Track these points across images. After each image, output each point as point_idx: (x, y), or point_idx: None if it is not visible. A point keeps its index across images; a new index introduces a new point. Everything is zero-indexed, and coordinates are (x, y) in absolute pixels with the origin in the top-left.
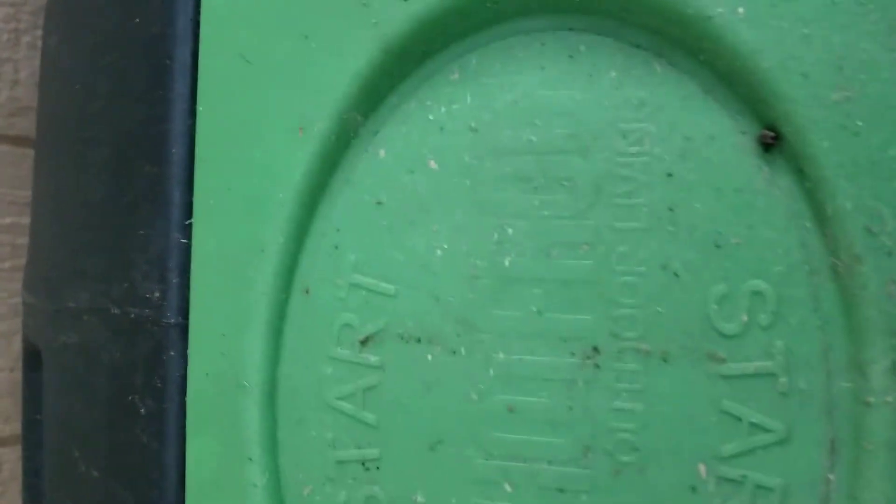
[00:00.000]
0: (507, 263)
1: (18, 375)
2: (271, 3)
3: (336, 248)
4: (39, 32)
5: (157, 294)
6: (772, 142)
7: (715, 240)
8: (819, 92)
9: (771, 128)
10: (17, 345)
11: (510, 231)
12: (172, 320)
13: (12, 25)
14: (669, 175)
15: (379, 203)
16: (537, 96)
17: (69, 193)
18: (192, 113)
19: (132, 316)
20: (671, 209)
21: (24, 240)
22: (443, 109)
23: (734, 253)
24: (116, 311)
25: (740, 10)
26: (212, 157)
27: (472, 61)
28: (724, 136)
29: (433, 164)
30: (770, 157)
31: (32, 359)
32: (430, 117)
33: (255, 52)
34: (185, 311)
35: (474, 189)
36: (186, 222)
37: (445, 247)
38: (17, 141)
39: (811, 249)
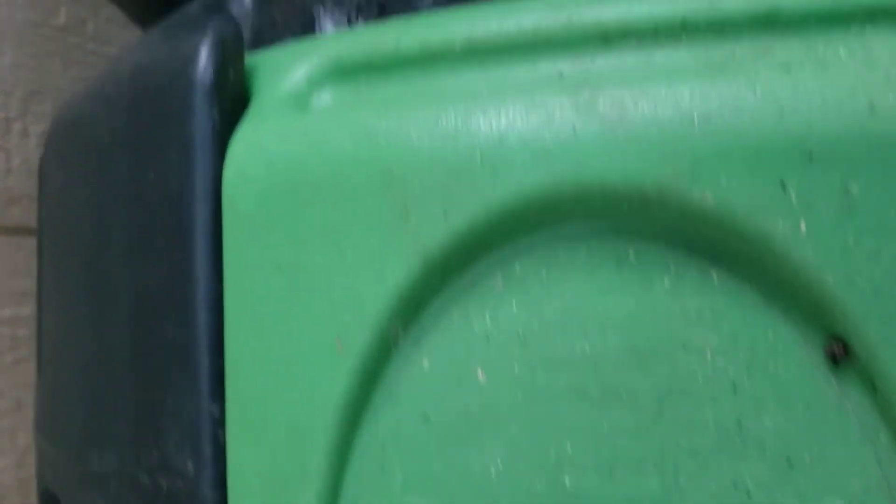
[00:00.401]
0: (567, 483)
1: (25, 472)
2: (299, 213)
3: (382, 468)
4: (30, 118)
5: (189, 466)
6: (841, 354)
7: (787, 456)
8: (890, 307)
9: (839, 339)
10: (21, 440)
11: (569, 448)
12: (209, 494)
13: (2, 114)
14: (735, 388)
15: (426, 418)
16: (588, 305)
17: (86, 344)
18: (217, 276)
19: (164, 488)
20: (739, 424)
21: (24, 331)
22: (488, 319)
23: (808, 470)
24: (146, 480)
25: (802, 226)
26: (243, 375)
27: (516, 269)
28: (789, 348)
29: (481, 376)
30: (839, 370)
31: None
32: (475, 327)
33: (285, 262)
34: (222, 485)
35: (527, 402)
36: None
37: (500, 465)
38: (13, 231)
39: (888, 465)
